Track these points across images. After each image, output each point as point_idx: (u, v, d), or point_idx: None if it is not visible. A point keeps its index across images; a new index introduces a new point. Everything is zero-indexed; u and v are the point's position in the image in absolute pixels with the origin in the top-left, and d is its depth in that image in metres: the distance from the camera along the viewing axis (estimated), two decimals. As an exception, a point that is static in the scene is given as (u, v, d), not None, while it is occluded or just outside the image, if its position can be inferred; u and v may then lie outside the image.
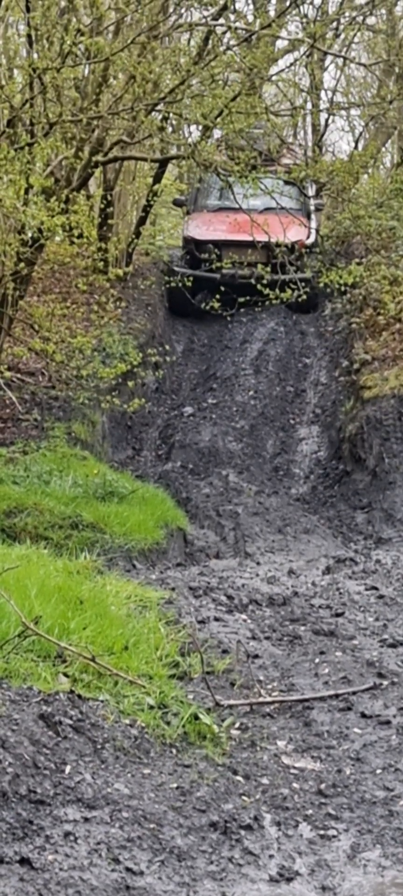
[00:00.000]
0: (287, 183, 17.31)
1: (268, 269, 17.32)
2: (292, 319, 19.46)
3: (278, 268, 17.01)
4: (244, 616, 8.07)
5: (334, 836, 4.87)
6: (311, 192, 20.21)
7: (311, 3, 20.87)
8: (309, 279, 18.08)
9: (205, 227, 19.96)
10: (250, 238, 17.14)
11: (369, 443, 14.13)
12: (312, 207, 19.94)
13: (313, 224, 19.85)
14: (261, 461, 15.29)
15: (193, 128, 19.88)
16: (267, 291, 16.29)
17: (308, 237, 19.33)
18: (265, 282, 16.93)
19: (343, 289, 16.87)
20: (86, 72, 16.65)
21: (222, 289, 18.43)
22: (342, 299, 18.11)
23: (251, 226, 16.59)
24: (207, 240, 19.52)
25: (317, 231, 20.26)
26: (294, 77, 23.21)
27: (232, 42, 15.66)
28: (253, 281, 17.55)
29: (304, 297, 16.66)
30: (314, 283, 18.15)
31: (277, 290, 16.04)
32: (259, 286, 16.86)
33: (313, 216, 19.95)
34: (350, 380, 16.09)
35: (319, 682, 6.60)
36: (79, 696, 5.54)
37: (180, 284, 18.40)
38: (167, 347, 16.12)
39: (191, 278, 18.54)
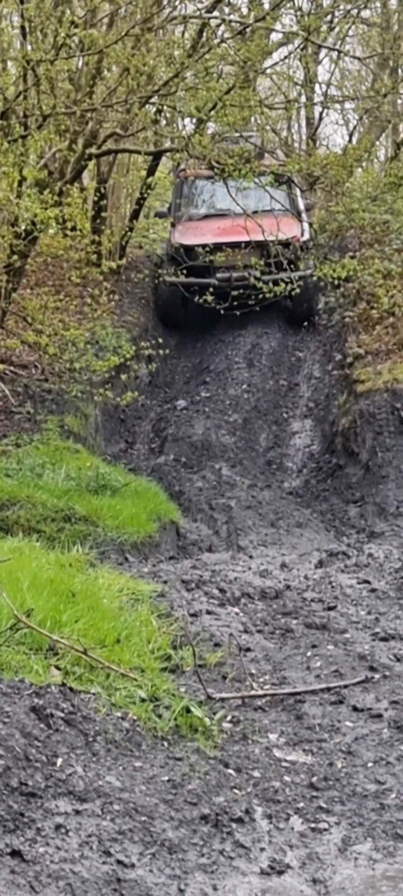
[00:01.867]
0: (276, 182, 16.85)
1: (265, 267, 17.06)
2: (285, 313, 19.42)
3: (274, 266, 16.84)
4: (236, 609, 8.08)
5: (325, 830, 4.87)
6: (299, 192, 19.43)
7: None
8: (307, 276, 17.76)
9: (193, 233, 18.90)
10: (243, 238, 16.75)
11: (362, 437, 14.14)
12: (302, 207, 19.02)
13: (305, 222, 19.10)
14: (254, 455, 15.30)
15: (187, 120, 19.83)
16: (264, 288, 16.28)
17: (302, 234, 18.63)
18: (262, 283, 16.82)
19: (336, 283, 16.86)
20: (80, 64, 16.63)
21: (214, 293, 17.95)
22: (335, 293, 18.10)
23: (243, 225, 16.26)
24: (197, 244, 18.48)
25: (311, 225, 19.77)
26: (288, 70, 23.21)
27: (226, 35, 15.66)
28: (250, 283, 17.14)
29: (298, 290, 16.61)
30: (310, 288, 17.83)
31: (271, 285, 15.95)
32: (257, 286, 16.61)
33: (303, 216, 19.10)
34: (343, 374, 16.10)
35: (311, 675, 6.61)
36: (71, 689, 5.54)
37: (174, 278, 17.98)
38: (160, 340, 16.09)
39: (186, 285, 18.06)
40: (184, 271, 18.49)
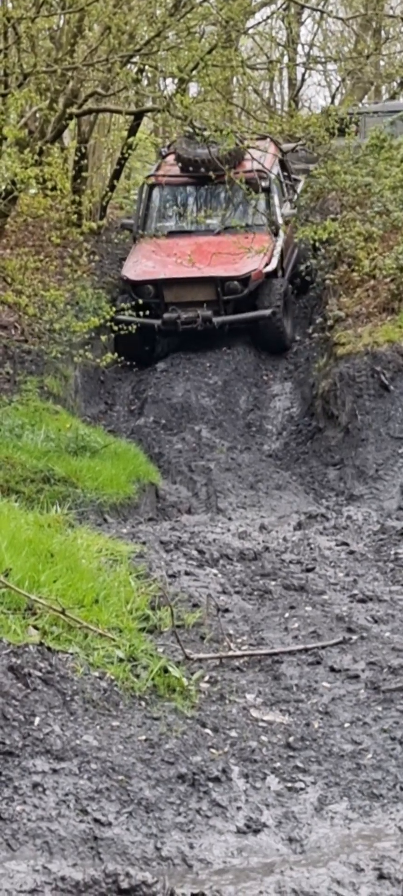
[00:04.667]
0: (252, 190, 15.65)
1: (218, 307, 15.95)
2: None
3: (229, 306, 16.11)
4: (215, 570, 8.09)
5: (301, 789, 4.90)
6: (279, 200, 17.34)
7: None
8: (270, 316, 16.14)
9: (144, 264, 16.51)
10: (194, 275, 15.86)
11: (342, 399, 14.15)
12: (280, 220, 16.91)
13: (279, 241, 16.84)
14: (234, 417, 15.27)
15: (169, 81, 19.71)
16: (215, 322, 15.74)
17: (268, 263, 16.28)
18: (214, 322, 15.84)
19: (317, 245, 16.81)
20: (62, 22, 16.51)
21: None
22: (316, 255, 18.05)
23: (209, 249, 15.81)
24: (144, 280, 16.21)
25: (286, 251, 17.38)
26: (270, 31, 23.10)
27: (208, -6, 15.55)
28: (198, 327, 15.88)
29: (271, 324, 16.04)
30: (278, 320, 16.29)
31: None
32: (207, 323, 15.77)
33: (281, 232, 16.93)
34: (323, 336, 16.07)
35: (289, 636, 6.63)
36: (49, 649, 5.55)
37: (120, 316, 15.33)
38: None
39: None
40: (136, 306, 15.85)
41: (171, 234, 17.11)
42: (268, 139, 17.11)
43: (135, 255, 16.91)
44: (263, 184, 16.26)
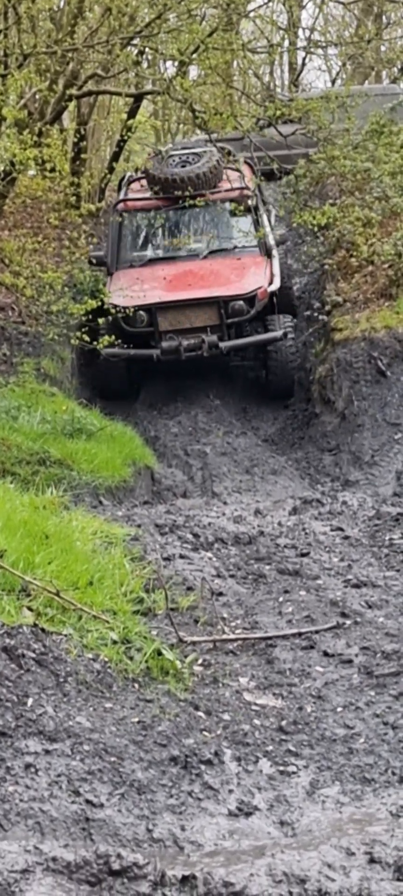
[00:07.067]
0: (240, 211, 15.25)
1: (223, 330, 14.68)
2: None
3: (233, 329, 14.87)
4: (209, 554, 8.10)
5: (294, 773, 4.91)
6: (268, 220, 16.41)
7: None
8: (280, 338, 15.01)
9: (131, 290, 14.75)
10: (194, 296, 14.71)
11: (338, 385, 14.15)
12: (272, 242, 15.79)
13: (276, 263, 15.73)
14: (230, 401, 15.27)
15: (169, 63, 19.67)
16: (223, 347, 14.60)
17: (271, 282, 15.23)
18: (221, 347, 14.58)
19: (316, 230, 16.78)
20: (62, 3, 16.49)
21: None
22: (315, 241, 18.03)
23: (196, 272, 14.98)
24: (136, 306, 14.59)
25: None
26: (271, 14, 23.03)
27: (209, -24, 15.52)
28: (204, 353, 14.54)
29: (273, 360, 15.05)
30: (288, 357, 15.24)
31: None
32: (212, 350, 14.50)
33: (274, 252, 15.80)
34: (321, 322, 16.07)
35: (282, 620, 6.65)
36: (43, 630, 5.56)
37: (110, 350, 14.11)
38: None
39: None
40: (123, 338, 14.44)
41: (151, 262, 15.76)
42: (244, 162, 16.30)
43: (117, 282, 15.30)
44: (249, 202, 15.56)
